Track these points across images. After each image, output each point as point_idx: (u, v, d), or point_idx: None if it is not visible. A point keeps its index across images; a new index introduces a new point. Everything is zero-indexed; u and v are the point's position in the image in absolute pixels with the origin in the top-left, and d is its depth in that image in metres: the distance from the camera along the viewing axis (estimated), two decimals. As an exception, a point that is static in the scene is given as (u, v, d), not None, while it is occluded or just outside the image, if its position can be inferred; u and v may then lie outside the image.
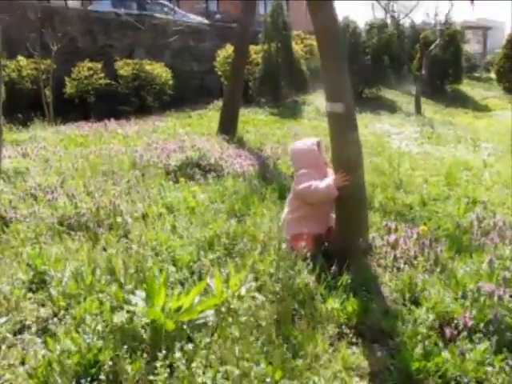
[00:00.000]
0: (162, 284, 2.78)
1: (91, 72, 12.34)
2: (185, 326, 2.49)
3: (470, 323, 2.55)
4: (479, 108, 14.80)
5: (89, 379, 2.18)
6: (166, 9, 17.28)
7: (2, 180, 5.39)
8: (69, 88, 12.30)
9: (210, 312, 2.64)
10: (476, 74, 19.28)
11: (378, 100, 15.04)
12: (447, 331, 2.52)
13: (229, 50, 13.64)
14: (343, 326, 2.66)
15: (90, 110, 12.34)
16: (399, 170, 6.68)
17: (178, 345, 2.34)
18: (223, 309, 2.59)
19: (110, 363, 2.15)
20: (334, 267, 3.08)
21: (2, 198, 4.71)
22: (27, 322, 2.65)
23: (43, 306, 2.87)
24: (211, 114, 12.30)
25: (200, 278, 3.19)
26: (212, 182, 5.62)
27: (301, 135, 9.66)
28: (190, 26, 15.56)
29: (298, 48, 15.09)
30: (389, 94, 15.82)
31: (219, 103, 13.60)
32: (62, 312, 2.72)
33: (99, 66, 12.57)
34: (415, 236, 3.75)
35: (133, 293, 2.80)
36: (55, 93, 11.60)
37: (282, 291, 2.80)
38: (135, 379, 2.18)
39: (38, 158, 6.67)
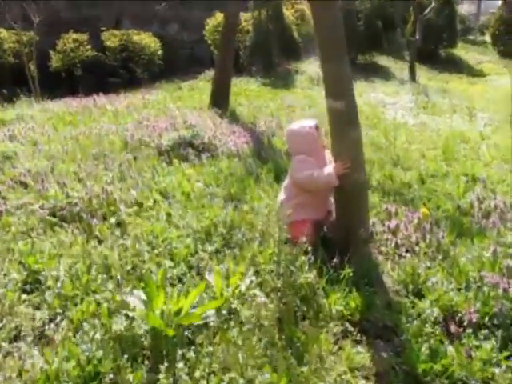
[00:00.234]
0: (160, 285, 2.72)
1: (77, 44, 11.97)
2: (186, 332, 2.44)
3: (474, 319, 2.51)
4: (474, 73, 14.58)
5: (90, 392, 2.13)
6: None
7: (-11, 166, 5.25)
8: (54, 61, 11.93)
9: (211, 312, 2.58)
10: (470, 37, 18.90)
11: (372, 67, 14.76)
12: (452, 327, 2.49)
13: (218, 18, 13.24)
14: (347, 324, 2.62)
15: (78, 83, 12.02)
16: (395, 144, 6.59)
17: (179, 351, 2.29)
18: (224, 311, 2.53)
19: (111, 376, 2.10)
20: (335, 259, 3.02)
21: (-9, 187, 4.58)
22: (23, 328, 2.57)
23: (38, 309, 2.79)
24: (202, 85, 12.03)
25: (198, 273, 3.13)
26: (206, 162, 5.50)
27: (295, 106, 9.49)
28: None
29: (288, 14, 14.66)
30: (382, 60, 15.52)
31: (210, 73, 13.28)
32: (59, 317, 2.65)
33: (85, 37, 12.17)
34: (416, 221, 3.70)
35: (130, 293, 2.73)
36: (40, 67, 11.27)
37: (283, 287, 2.74)
38: (137, 390, 2.13)
39: (25, 140, 6.47)
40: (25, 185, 4.81)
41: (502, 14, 15.38)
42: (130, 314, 2.45)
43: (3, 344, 2.43)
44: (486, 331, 2.49)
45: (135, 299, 2.63)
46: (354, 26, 14.09)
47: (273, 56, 13.85)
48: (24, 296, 2.90)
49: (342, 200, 3.43)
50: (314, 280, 2.83)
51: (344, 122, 3.29)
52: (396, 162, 5.69)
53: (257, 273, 3.00)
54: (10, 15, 11.02)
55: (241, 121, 7.91)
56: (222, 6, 11.07)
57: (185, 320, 2.44)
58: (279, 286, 2.75)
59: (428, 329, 2.48)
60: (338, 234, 3.44)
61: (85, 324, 2.46)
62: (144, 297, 2.63)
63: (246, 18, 13.82)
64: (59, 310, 2.73)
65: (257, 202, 4.30)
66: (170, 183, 4.68)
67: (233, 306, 2.63)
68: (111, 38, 12.51)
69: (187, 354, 2.27)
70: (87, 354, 2.20)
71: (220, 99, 8.93)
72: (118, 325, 2.37)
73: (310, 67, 14.53)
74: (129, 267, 3.13)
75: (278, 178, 4.86)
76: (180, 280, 3.05)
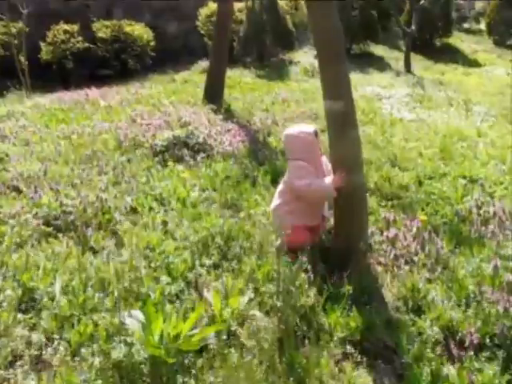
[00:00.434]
0: (158, 302, 2.69)
1: (68, 35, 11.71)
2: (185, 356, 2.40)
3: (475, 340, 2.50)
4: (469, 63, 14.47)
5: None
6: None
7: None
8: (44, 53, 11.69)
9: (211, 334, 2.55)
10: (465, 25, 18.72)
11: (367, 56, 14.60)
12: (453, 350, 2.47)
13: (211, 7, 13.02)
14: (347, 345, 2.60)
15: (69, 75, 11.81)
16: (392, 142, 6.55)
17: (179, 379, 2.26)
18: (224, 335, 2.50)
19: (110, 408, 2.07)
20: (335, 276, 2.99)
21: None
22: (19, 353, 2.53)
23: (35, 330, 2.74)
24: (196, 78, 11.85)
25: (196, 288, 3.09)
26: (202, 164, 5.44)
27: (290, 101, 9.39)
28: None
29: (282, 3, 14.45)
30: (377, 50, 15.36)
31: (203, 64, 13.11)
32: (56, 339, 2.61)
33: (76, 28, 11.92)
34: (415, 229, 3.67)
35: (128, 313, 2.69)
36: (30, 59, 11.01)
37: (282, 308, 2.71)
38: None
39: (17, 140, 6.36)
40: (17, 189, 4.74)
41: (498, 2, 15.23)
42: (129, 339, 2.41)
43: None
44: (488, 353, 2.48)
45: (133, 320, 2.60)
46: (348, 16, 13.91)
47: (267, 46, 13.66)
48: (20, 316, 2.84)
49: (340, 207, 3.38)
50: (314, 298, 2.80)
51: (342, 123, 3.24)
52: (393, 162, 5.66)
53: (256, 290, 2.97)
54: (-2, 6, 10.79)
55: (236, 117, 7.82)
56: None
57: (184, 345, 2.41)
58: (279, 305, 2.71)
59: (429, 352, 2.46)
60: (338, 245, 3.42)
61: (83, 350, 2.42)
62: (142, 318, 2.59)
63: (239, 8, 13.60)
64: (56, 332, 2.69)
65: (254, 208, 4.26)
66: (166, 188, 4.62)
67: (232, 328, 2.60)
68: (103, 29, 12.25)
69: (187, 381, 2.24)
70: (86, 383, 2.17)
71: (214, 93, 8.81)
72: (117, 352, 2.33)
73: (305, 57, 14.37)
74: (126, 283, 3.08)
75: (275, 181, 4.80)
76: (178, 297, 3.01)
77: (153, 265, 3.31)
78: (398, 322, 2.77)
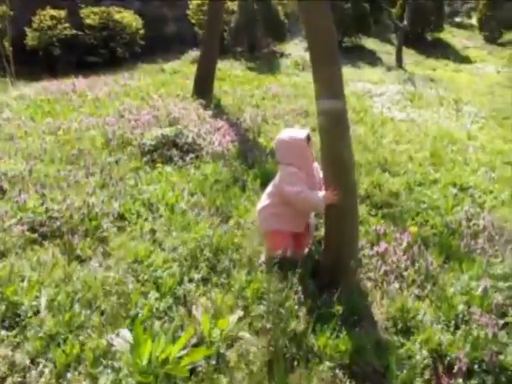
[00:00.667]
0: (147, 327, 2.65)
1: (55, 21, 11.44)
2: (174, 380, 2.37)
3: (464, 366, 2.50)
4: (460, 59, 14.48)
5: None
6: None
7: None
8: (30, 39, 11.43)
9: (200, 357, 2.52)
10: (457, 19, 18.72)
11: (358, 50, 14.54)
12: (443, 379, 2.48)
13: (202, -4, 12.81)
14: (336, 368, 2.58)
15: (56, 62, 11.58)
16: (383, 144, 6.53)
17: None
18: (213, 360, 2.47)
19: None
20: (324, 295, 2.97)
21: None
22: (1, 375, 2.48)
23: (19, 348, 2.68)
24: (186, 69, 11.69)
25: (185, 305, 3.05)
26: (191, 165, 5.36)
27: (280, 96, 9.31)
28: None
29: (275, -7, 14.27)
30: (369, 43, 15.30)
31: (193, 53, 12.94)
32: (41, 360, 2.55)
33: (63, 14, 11.64)
34: (405, 243, 3.67)
35: (116, 334, 2.65)
36: (15, 45, 10.76)
37: (272, 329, 2.69)
38: None
39: (1, 134, 6.21)
40: (2, 190, 4.63)
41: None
42: (116, 364, 2.37)
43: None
44: (477, 380, 2.48)
45: (121, 341, 2.56)
46: (341, 8, 13.79)
47: (258, 37, 13.52)
48: (3, 332, 2.78)
49: (331, 214, 3.32)
50: (304, 320, 2.78)
51: (334, 125, 3.19)
52: (384, 167, 5.64)
53: (245, 308, 2.94)
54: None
55: (226, 113, 7.72)
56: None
57: (173, 370, 2.38)
58: (268, 327, 2.69)
59: (418, 378, 2.46)
60: (328, 259, 3.38)
61: (69, 374, 2.37)
62: (130, 338, 2.55)
63: (231, -3, 13.42)
64: (41, 351, 2.63)
65: (243, 216, 4.21)
66: (154, 193, 4.54)
67: (221, 350, 2.57)
68: (91, 16, 11.99)
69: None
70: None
71: (204, 87, 8.69)
72: (104, 378, 2.29)
73: (296, 49, 14.27)
74: (113, 298, 3.03)
75: (264, 186, 4.73)
76: (166, 313, 2.97)
77: (141, 278, 3.26)
78: (387, 344, 2.76)
